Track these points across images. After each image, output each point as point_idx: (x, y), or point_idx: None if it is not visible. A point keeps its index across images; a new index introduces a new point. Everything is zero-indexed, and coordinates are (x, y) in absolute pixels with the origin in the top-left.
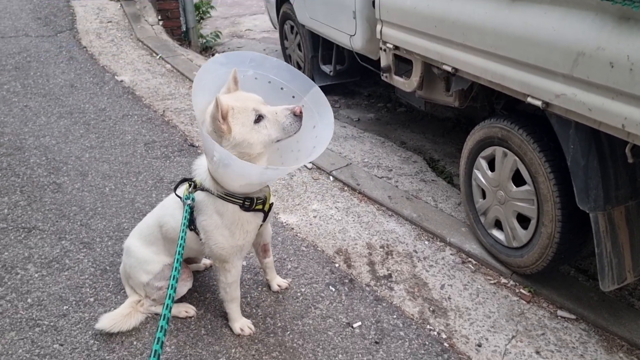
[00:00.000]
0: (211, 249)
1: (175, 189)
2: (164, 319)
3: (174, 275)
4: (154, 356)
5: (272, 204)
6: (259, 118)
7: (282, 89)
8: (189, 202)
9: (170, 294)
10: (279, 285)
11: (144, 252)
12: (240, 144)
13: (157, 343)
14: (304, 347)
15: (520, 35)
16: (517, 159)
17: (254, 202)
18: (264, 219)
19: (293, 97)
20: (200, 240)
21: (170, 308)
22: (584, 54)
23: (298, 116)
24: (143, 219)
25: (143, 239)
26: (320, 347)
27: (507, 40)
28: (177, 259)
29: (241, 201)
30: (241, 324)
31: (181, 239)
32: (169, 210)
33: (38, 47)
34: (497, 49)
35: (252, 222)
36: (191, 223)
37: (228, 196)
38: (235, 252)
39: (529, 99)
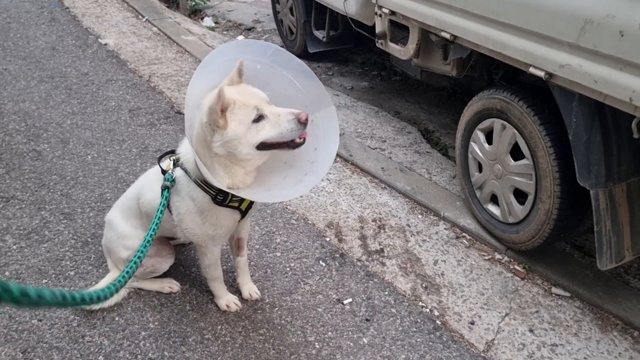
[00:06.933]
0: (183, 232)
1: (159, 160)
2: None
3: (141, 250)
4: None
5: (253, 202)
6: (259, 118)
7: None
8: (168, 184)
9: (131, 267)
10: (250, 294)
11: (124, 227)
12: (230, 142)
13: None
14: (292, 324)
15: (524, 1)
16: (516, 131)
17: (228, 198)
18: (242, 217)
19: (307, 106)
20: (173, 221)
21: (129, 277)
22: (592, 22)
23: (302, 124)
24: (126, 191)
25: (124, 212)
26: (310, 324)
27: (511, 6)
28: (150, 234)
29: (214, 193)
30: (227, 300)
31: (158, 213)
32: (148, 182)
33: (18, 8)
34: (499, 16)
35: (226, 217)
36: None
37: (203, 184)
38: (207, 240)
39: (531, 69)
